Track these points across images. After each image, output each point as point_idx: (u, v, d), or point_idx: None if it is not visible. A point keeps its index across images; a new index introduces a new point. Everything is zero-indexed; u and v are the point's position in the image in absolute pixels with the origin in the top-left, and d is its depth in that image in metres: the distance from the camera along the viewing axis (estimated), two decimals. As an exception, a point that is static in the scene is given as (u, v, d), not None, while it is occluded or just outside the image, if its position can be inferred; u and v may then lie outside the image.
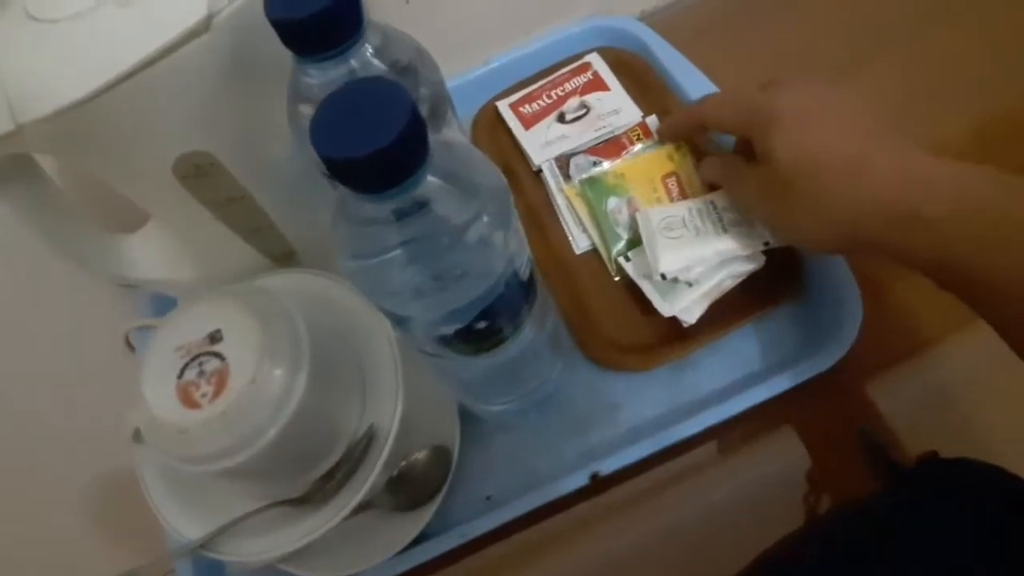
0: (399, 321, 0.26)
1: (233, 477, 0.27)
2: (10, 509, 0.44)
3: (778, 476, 0.35)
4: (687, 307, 0.34)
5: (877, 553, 0.30)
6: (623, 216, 0.38)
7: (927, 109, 0.42)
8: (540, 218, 0.42)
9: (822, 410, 0.36)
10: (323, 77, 0.24)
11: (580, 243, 0.40)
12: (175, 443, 0.26)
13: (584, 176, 0.40)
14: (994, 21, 0.45)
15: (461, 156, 0.24)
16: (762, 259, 0.34)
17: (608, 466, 0.34)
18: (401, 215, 0.21)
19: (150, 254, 0.36)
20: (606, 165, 0.41)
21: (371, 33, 0.25)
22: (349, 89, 0.20)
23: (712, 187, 0.37)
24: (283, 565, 0.33)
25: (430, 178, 0.21)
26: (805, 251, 0.36)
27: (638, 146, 0.41)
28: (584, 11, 0.50)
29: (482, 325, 0.25)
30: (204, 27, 0.25)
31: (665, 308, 0.34)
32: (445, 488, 0.34)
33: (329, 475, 0.30)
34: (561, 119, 0.44)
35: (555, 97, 0.45)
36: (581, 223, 0.40)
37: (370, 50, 0.25)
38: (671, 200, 0.38)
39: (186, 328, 0.27)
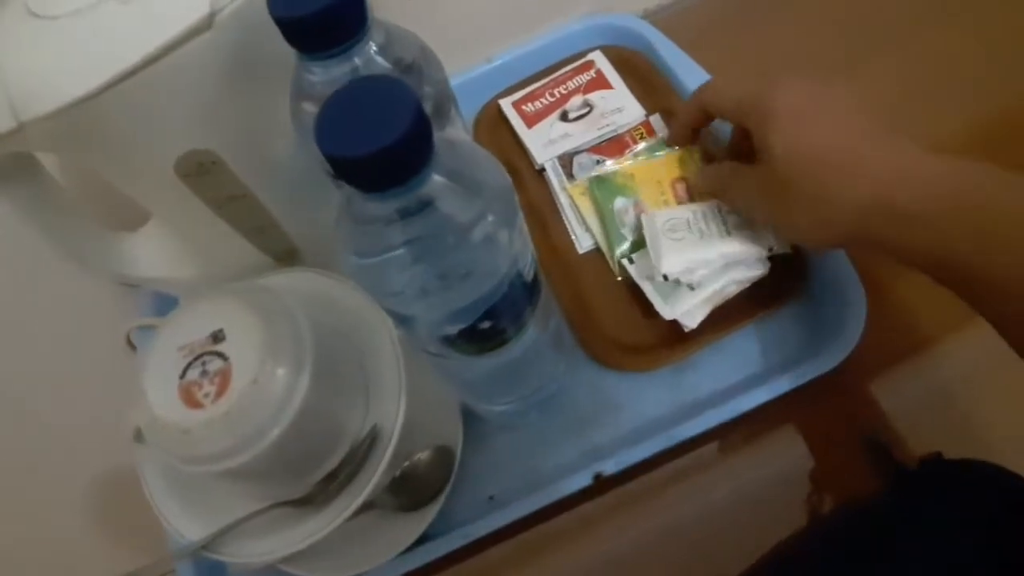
0: (403, 320, 0.26)
1: (235, 477, 0.27)
2: (10, 509, 0.43)
3: (781, 476, 0.35)
4: (688, 311, 0.34)
5: (879, 553, 0.30)
6: (629, 217, 0.38)
7: (926, 109, 0.42)
8: (543, 217, 0.41)
9: (825, 410, 0.35)
10: (326, 75, 0.24)
11: (583, 242, 0.40)
12: (177, 443, 0.25)
13: (593, 174, 0.40)
14: (990, 21, 0.45)
15: (466, 154, 0.23)
16: (767, 266, 0.34)
17: (611, 466, 0.34)
18: (406, 214, 0.21)
19: (151, 252, 0.35)
20: (610, 164, 0.41)
21: (375, 31, 0.25)
22: (354, 87, 0.20)
23: None
24: (285, 566, 0.33)
25: (435, 177, 0.20)
26: (807, 249, 0.36)
27: (641, 144, 0.41)
28: (585, 9, 0.50)
29: (486, 325, 0.25)
30: (207, 24, 0.25)
31: (666, 311, 0.34)
32: (448, 488, 0.34)
33: (332, 476, 0.29)
34: (564, 117, 0.44)
35: (558, 95, 0.44)
36: (584, 222, 0.40)
37: (374, 48, 0.25)
38: (679, 204, 0.38)
39: (189, 327, 0.27)
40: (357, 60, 0.24)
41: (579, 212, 0.40)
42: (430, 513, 0.34)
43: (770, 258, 0.34)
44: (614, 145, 0.42)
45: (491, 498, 0.36)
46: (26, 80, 0.25)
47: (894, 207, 0.26)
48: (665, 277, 0.34)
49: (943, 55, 0.44)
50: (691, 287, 0.34)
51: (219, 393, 0.25)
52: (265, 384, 0.25)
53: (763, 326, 0.37)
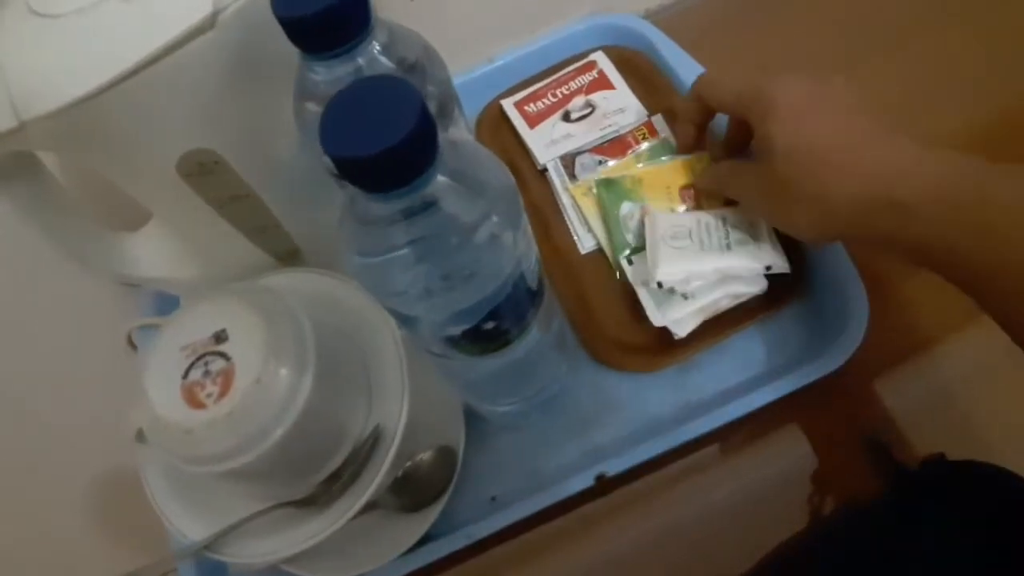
0: (406, 321, 0.26)
1: (237, 478, 0.27)
2: (10, 509, 0.43)
3: (783, 476, 0.35)
4: (679, 319, 0.34)
5: (880, 553, 0.30)
6: (634, 222, 0.38)
7: (926, 109, 0.42)
8: (545, 217, 0.41)
9: (827, 411, 0.35)
10: (330, 75, 0.24)
11: (585, 243, 0.40)
12: (180, 443, 0.25)
13: (601, 176, 0.40)
14: (990, 21, 0.45)
15: (470, 155, 0.23)
16: (763, 283, 0.34)
17: (614, 467, 0.34)
18: (410, 214, 0.21)
19: (153, 252, 0.35)
20: (612, 164, 0.41)
21: (378, 30, 0.24)
22: (358, 87, 0.20)
23: (728, 202, 0.37)
24: (287, 566, 0.33)
25: (439, 177, 0.20)
26: (806, 243, 0.36)
27: (644, 145, 0.41)
28: (587, 9, 0.50)
29: (489, 326, 0.25)
30: (209, 24, 0.25)
31: (657, 318, 0.34)
32: (450, 489, 0.34)
33: (334, 476, 0.29)
34: (566, 118, 0.43)
35: (560, 95, 0.44)
36: (587, 223, 0.40)
37: (377, 47, 0.24)
38: (685, 211, 0.38)
39: (191, 327, 0.27)
40: (360, 60, 0.24)
41: (581, 213, 0.40)
42: (432, 513, 0.34)
43: (768, 276, 0.34)
44: (616, 146, 0.41)
45: (493, 499, 0.36)
46: (27, 79, 0.25)
47: (894, 202, 0.26)
48: (660, 284, 0.34)
49: (943, 55, 0.44)
50: (685, 296, 0.34)
51: (222, 393, 0.25)
52: (268, 384, 0.25)
53: (765, 327, 0.37)
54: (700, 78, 0.36)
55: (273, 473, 0.28)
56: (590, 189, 0.40)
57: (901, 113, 0.31)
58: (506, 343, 0.27)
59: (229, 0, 0.25)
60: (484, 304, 0.24)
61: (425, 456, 0.34)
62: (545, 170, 0.42)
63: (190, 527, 0.30)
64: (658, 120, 0.42)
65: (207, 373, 0.26)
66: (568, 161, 0.42)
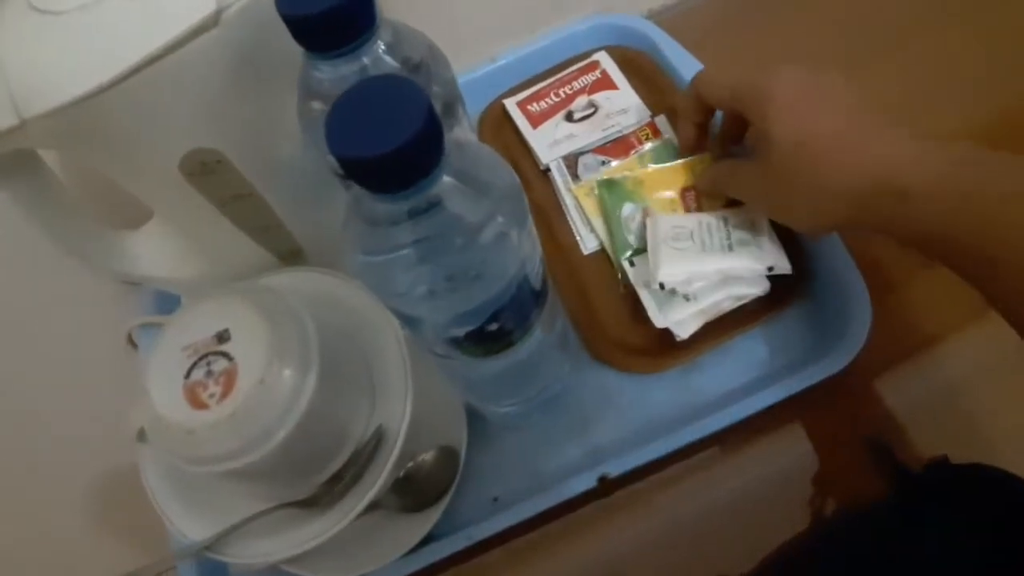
0: (409, 322, 0.25)
1: (239, 478, 0.27)
2: (10, 509, 0.43)
3: (786, 478, 0.35)
4: (681, 321, 0.34)
5: (883, 556, 0.30)
6: (635, 223, 0.38)
7: (927, 109, 0.42)
8: (547, 218, 0.41)
9: (830, 412, 0.35)
10: (334, 74, 0.24)
11: (588, 243, 0.40)
12: (181, 444, 0.25)
13: (603, 176, 0.40)
14: (989, 22, 0.45)
15: (475, 155, 0.23)
16: (766, 285, 0.34)
17: (616, 468, 0.33)
18: (414, 214, 0.21)
19: (154, 251, 0.35)
20: (615, 164, 0.41)
21: (383, 29, 0.24)
22: (364, 87, 0.20)
23: (729, 203, 0.37)
24: (288, 566, 0.33)
25: (445, 178, 0.20)
26: (808, 235, 0.36)
27: (647, 145, 0.41)
28: (590, 9, 0.50)
29: (493, 327, 0.25)
30: (213, 21, 0.24)
31: (659, 319, 0.34)
32: (452, 489, 0.34)
33: (337, 477, 0.29)
34: (569, 118, 0.43)
35: (563, 95, 0.44)
36: (589, 223, 0.40)
37: (382, 47, 0.24)
38: (687, 213, 0.38)
39: (193, 327, 0.26)
40: (365, 59, 0.24)
41: (584, 213, 0.40)
42: (434, 514, 0.34)
43: (770, 276, 0.34)
44: (619, 146, 0.41)
45: (495, 499, 0.36)
46: (29, 76, 0.25)
47: (895, 190, 0.26)
48: (661, 286, 0.34)
49: (944, 55, 0.44)
50: (687, 298, 0.34)
51: (224, 394, 0.25)
52: (271, 385, 0.25)
53: (768, 329, 0.37)
54: (697, 75, 0.36)
55: (275, 473, 0.28)
56: (592, 190, 0.40)
57: (901, 113, 0.31)
58: (510, 344, 0.27)
59: (233, -2, 0.25)
60: (488, 305, 0.24)
61: (427, 456, 0.34)
62: (548, 170, 0.42)
63: (191, 527, 0.30)
64: (661, 120, 0.42)
65: (209, 373, 0.25)
66: (571, 161, 0.42)
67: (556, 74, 0.46)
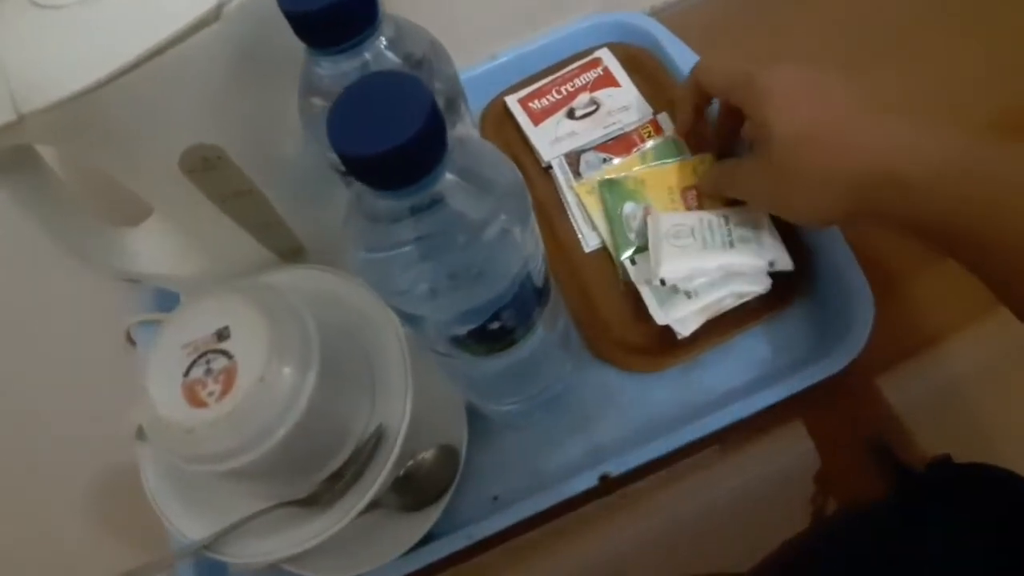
0: (411, 320, 0.25)
1: (239, 477, 0.27)
2: (9, 509, 0.43)
3: (787, 477, 0.35)
4: (682, 318, 0.34)
5: (884, 556, 0.30)
6: (637, 222, 0.38)
7: (927, 109, 0.42)
8: (549, 215, 0.41)
9: (831, 411, 0.35)
10: (336, 70, 0.24)
11: (590, 241, 0.40)
12: (180, 442, 0.25)
13: (604, 176, 0.40)
14: (990, 23, 0.45)
15: (477, 152, 0.23)
16: (767, 282, 0.34)
17: (617, 467, 0.33)
18: (416, 211, 0.20)
19: (153, 248, 0.35)
20: (617, 162, 0.40)
21: (385, 25, 0.24)
22: (366, 83, 0.19)
23: (730, 201, 0.37)
24: (287, 565, 0.33)
25: (447, 175, 0.20)
26: (811, 227, 0.36)
27: (649, 143, 0.41)
28: (592, 6, 0.50)
29: (495, 326, 0.25)
30: (214, 16, 0.24)
31: (660, 316, 0.34)
32: (452, 488, 0.34)
33: (337, 475, 0.29)
34: (571, 115, 0.43)
35: (565, 93, 0.44)
36: (591, 221, 0.40)
37: (384, 42, 0.24)
38: (688, 211, 0.38)
39: (193, 325, 0.26)
40: (367, 55, 0.24)
41: (586, 211, 0.40)
42: (434, 513, 0.34)
43: (771, 274, 0.34)
44: (621, 143, 0.41)
45: (495, 498, 0.36)
46: (27, 71, 0.24)
47: (895, 180, 0.26)
48: (663, 282, 0.34)
49: (946, 56, 0.44)
50: (688, 295, 0.34)
51: (224, 392, 0.25)
52: (271, 383, 0.25)
53: (770, 328, 0.37)
54: (697, 65, 0.36)
55: (275, 472, 0.27)
56: (594, 188, 0.40)
57: (903, 113, 0.31)
58: (512, 342, 0.27)
59: (234, -7, 0.25)
60: (491, 304, 0.24)
61: (427, 455, 0.34)
62: (549, 167, 0.42)
63: (190, 526, 0.30)
64: (663, 118, 0.42)
65: (209, 371, 0.25)
66: (573, 159, 0.42)
67: (558, 71, 0.45)
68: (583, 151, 0.42)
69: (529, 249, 0.24)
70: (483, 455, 0.36)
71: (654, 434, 0.34)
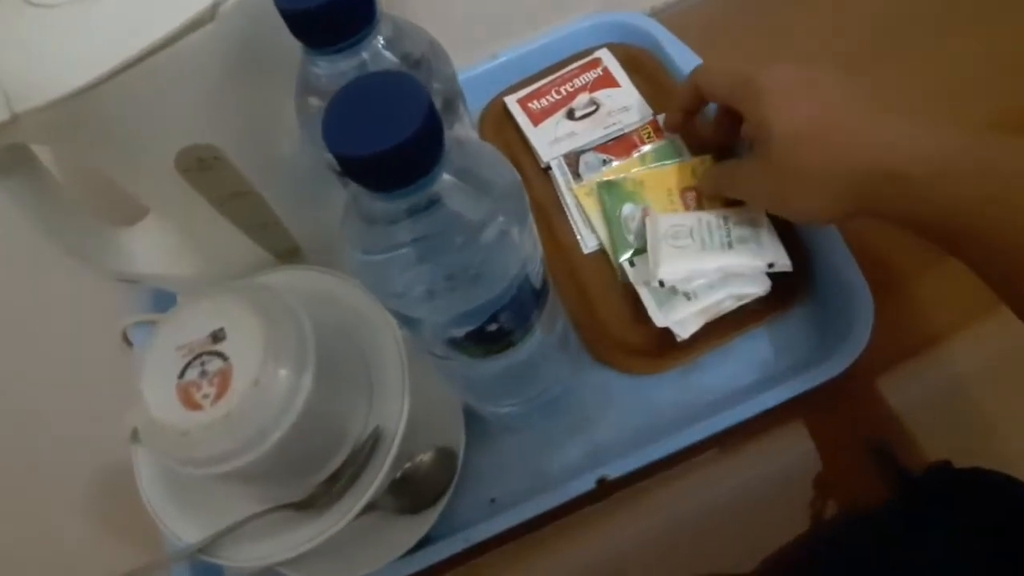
0: (408, 322, 0.25)
1: (234, 480, 0.27)
2: (10, 509, 0.43)
3: (787, 480, 0.35)
4: (681, 320, 0.34)
5: (884, 560, 0.30)
6: (636, 224, 0.37)
7: (928, 111, 0.42)
8: (547, 216, 0.41)
9: (832, 414, 0.35)
10: (333, 69, 0.24)
11: (588, 243, 0.40)
12: (175, 445, 0.25)
13: (602, 178, 0.40)
14: (991, 24, 0.45)
15: (475, 153, 0.23)
16: (767, 284, 0.34)
17: (615, 470, 0.33)
18: (414, 212, 0.20)
19: (150, 248, 0.35)
20: (617, 163, 0.40)
21: (383, 24, 0.24)
22: (363, 83, 0.19)
23: (729, 202, 0.36)
24: (283, 568, 0.32)
25: (445, 176, 0.20)
26: (811, 225, 0.36)
27: (649, 145, 0.40)
28: (592, 6, 0.49)
29: (493, 327, 0.25)
30: (210, 15, 0.24)
31: (659, 318, 0.34)
32: (450, 491, 0.34)
33: (333, 478, 0.29)
34: (570, 115, 0.43)
35: (564, 93, 0.44)
36: (590, 223, 0.40)
37: (382, 42, 0.24)
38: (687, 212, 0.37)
39: (188, 326, 0.26)
40: (365, 54, 0.24)
41: (585, 213, 0.40)
42: (432, 515, 0.33)
43: (771, 276, 0.34)
44: (621, 144, 0.41)
45: (493, 501, 0.36)
46: (22, 70, 0.24)
47: (894, 175, 0.26)
48: (661, 283, 0.34)
49: (946, 57, 0.44)
50: (687, 296, 0.34)
51: (219, 394, 0.25)
52: (267, 385, 0.25)
53: (769, 330, 0.37)
54: (696, 68, 0.36)
55: (271, 475, 0.27)
56: (592, 190, 0.40)
57: (903, 112, 0.31)
58: (510, 345, 0.27)
59: (230, -9, 0.24)
60: (488, 306, 0.23)
61: (425, 457, 0.34)
62: (548, 168, 0.42)
63: (185, 529, 0.30)
64: (663, 119, 0.41)
65: (204, 373, 0.25)
66: (572, 159, 0.41)
67: (557, 71, 0.45)
68: (582, 152, 0.41)
69: (527, 250, 0.24)
70: (481, 457, 0.36)
71: (653, 437, 0.34)
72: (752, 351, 0.36)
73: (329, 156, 0.18)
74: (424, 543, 0.33)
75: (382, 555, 0.33)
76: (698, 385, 0.36)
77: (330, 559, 0.33)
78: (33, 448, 0.43)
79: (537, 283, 0.26)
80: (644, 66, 0.44)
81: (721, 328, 0.35)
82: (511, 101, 0.45)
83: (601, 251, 0.39)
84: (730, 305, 0.34)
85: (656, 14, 0.51)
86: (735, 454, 0.35)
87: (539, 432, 0.37)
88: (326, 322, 0.28)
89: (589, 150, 0.41)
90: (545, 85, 0.45)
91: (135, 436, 0.30)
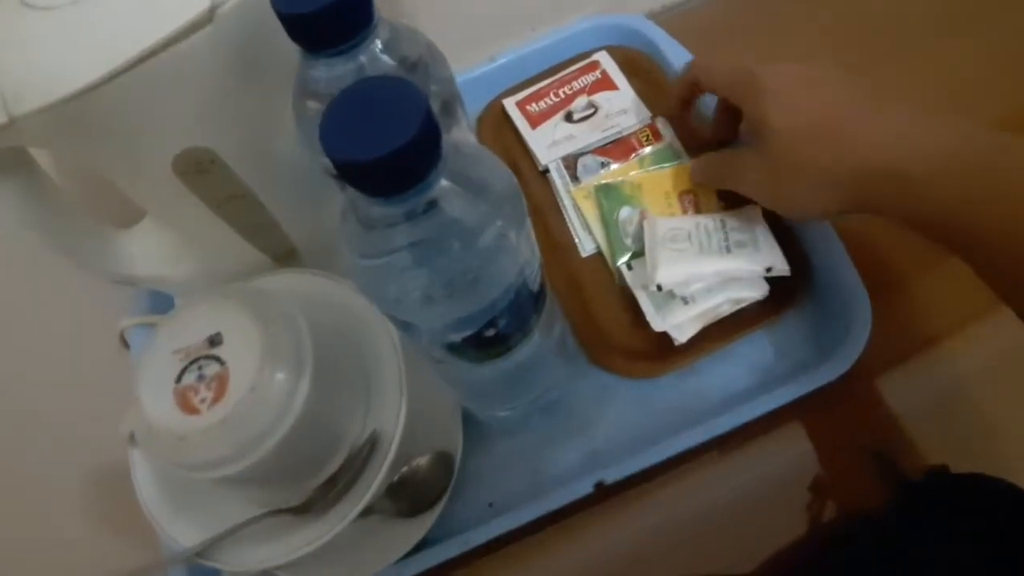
0: (405, 327, 0.25)
1: (232, 484, 0.27)
2: (10, 509, 0.43)
3: (785, 484, 0.35)
4: (679, 324, 0.34)
5: (883, 564, 0.30)
6: (633, 226, 0.37)
7: (929, 110, 0.42)
8: (545, 219, 0.41)
9: (830, 417, 0.35)
10: (331, 73, 0.24)
11: (586, 246, 0.40)
12: (172, 450, 0.25)
13: (600, 181, 0.40)
14: (992, 26, 0.45)
15: (473, 157, 0.23)
16: (765, 288, 0.34)
17: (613, 474, 0.33)
18: (411, 216, 0.20)
19: (147, 250, 0.35)
20: (615, 167, 0.40)
21: (381, 28, 0.24)
22: (361, 88, 0.19)
23: (727, 206, 0.36)
24: (281, 572, 0.32)
25: (442, 181, 0.20)
26: (810, 221, 0.36)
27: (648, 149, 0.40)
28: (591, 8, 0.49)
29: (491, 332, 0.25)
30: (207, 18, 0.24)
31: (657, 322, 0.34)
32: (447, 494, 0.34)
33: (330, 482, 0.29)
34: (568, 118, 0.43)
35: (563, 96, 0.44)
36: (587, 226, 0.39)
37: (379, 46, 0.24)
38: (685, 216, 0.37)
39: (185, 330, 0.26)
40: (362, 58, 0.24)
41: (582, 215, 0.40)
42: (429, 519, 0.33)
43: (768, 280, 0.34)
44: (619, 147, 0.41)
45: (491, 505, 0.35)
46: (18, 73, 0.24)
47: (894, 172, 0.26)
48: (659, 287, 0.33)
49: (947, 59, 0.44)
50: (685, 300, 0.34)
51: (216, 399, 0.25)
52: (264, 390, 0.25)
53: (768, 334, 0.37)
54: (693, 62, 0.36)
55: (268, 479, 0.27)
56: (590, 193, 0.40)
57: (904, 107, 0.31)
58: (508, 349, 0.27)
59: (228, -5, 0.24)
60: (486, 311, 0.23)
61: (422, 461, 0.34)
62: (546, 171, 0.42)
63: (182, 532, 0.29)
64: (662, 121, 0.41)
65: (201, 377, 0.25)
66: (570, 162, 0.41)
67: (556, 74, 0.45)
68: (581, 155, 0.41)
69: (525, 255, 0.24)
70: (479, 461, 0.36)
71: (650, 441, 0.34)
72: (750, 355, 0.36)
73: (326, 160, 0.18)
74: (422, 546, 0.33)
75: (380, 559, 0.33)
76: (696, 389, 0.36)
77: (328, 563, 0.33)
78: (33, 448, 0.43)
79: (534, 287, 0.26)
80: (643, 69, 0.44)
81: (719, 332, 0.35)
82: (509, 103, 0.45)
83: (599, 254, 0.39)
84: (728, 309, 0.34)
85: (655, 16, 0.51)
86: (733, 457, 0.35)
87: (537, 435, 0.37)
88: (323, 324, 0.28)
89: (587, 153, 0.41)
90: (543, 88, 0.45)
91: (132, 439, 0.30)
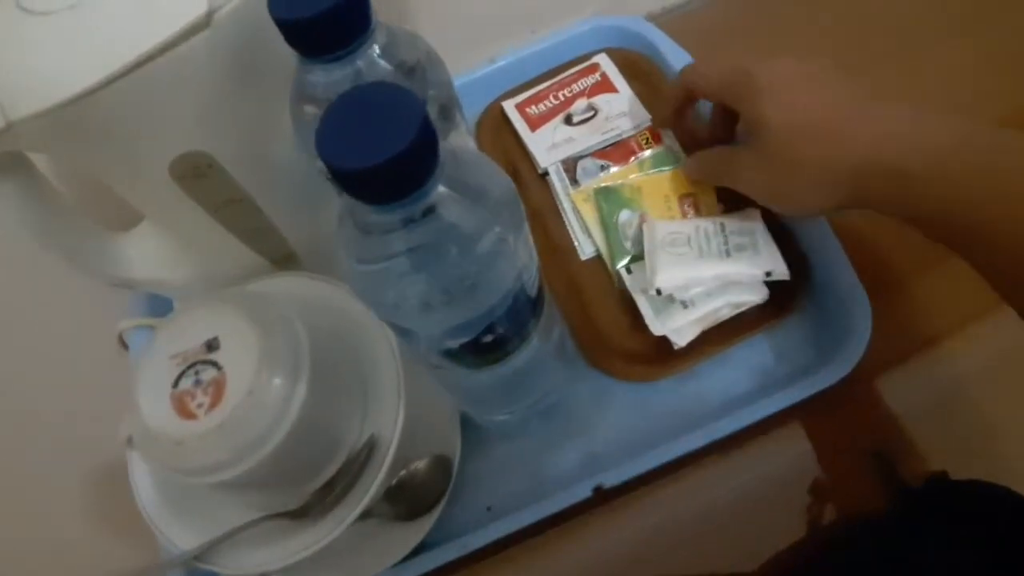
0: (403, 333, 0.25)
1: (230, 488, 0.27)
2: (10, 509, 0.43)
3: (785, 488, 0.35)
4: (678, 328, 0.34)
5: (883, 569, 0.30)
6: (632, 230, 0.37)
7: (933, 109, 0.42)
8: (544, 222, 0.41)
9: (830, 421, 0.35)
10: (328, 78, 0.24)
11: (586, 249, 0.39)
12: (169, 455, 0.25)
13: (600, 184, 0.40)
14: (993, 27, 0.45)
15: (471, 163, 0.23)
16: (764, 292, 0.34)
17: (612, 478, 0.33)
18: (408, 222, 0.20)
19: (145, 254, 0.35)
20: (615, 169, 0.40)
21: (378, 32, 0.24)
22: (357, 94, 0.19)
23: (727, 209, 0.36)
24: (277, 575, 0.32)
25: (440, 187, 0.20)
26: (809, 219, 0.35)
27: (647, 152, 0.40)
28: (591, 11, 0.49)
29: (489, 339, 0.25)
30: (204, 23, 0.24)
31: (656, 326, 0.34)
32: (446, 498, 0.34)
33: (328, 486, 0.29)
34: (568, 121, 0.43)
35: (562, 98, 0.44)
36: (587, 229, 0.39)
37: (377, 50, 0.24)
38: (684, 219, 0.37)
39: (182, 335, 0.26)
40: (360, 63, 0.24)
41: (582, 218, 0.40)
42: (427, 523, 0.33)
43: (768, 284, 0.34)
44: (619, 150, 0.41)
45: (489, 508, 0.35)
46: (15, 78, 0.24)
47: (893, 169, 0.26)
48: (658, 291, 0.33)
49: (947, 60, 0.44)
50: (684, 304, 0.34)
51: (213, 404, 0.25)
52: (261, 395, 0.25)
53: (767, 337, 0.37)
54: (686, 67, 0.36)
55: (266, 483, 0.27)
56: (590, 196, 0.40)
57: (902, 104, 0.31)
58: (506, 354, 0.27)
59: (224, -1, 0.24)
60: (484, 317, 0.23)
61: (420, 464, 0.34)
62: (546, 174, 0.42)
63: (180, 536, 0.30)
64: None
65: (198, 382, 0.25)
66: (570, 165, 0.41)
67: (555, 76, 0.45)
68: (580, 157, 0.41)
69: (523, 259, 0.24)
70: (477, 464, 0.36)
71: (650, 445, 0.34)
72: (750, 358, 0.36)
73: (323, 165, 0.18)
74: (420, 550, 0.33)
75: (378, 562, 0.33)
76: (695, 393, 0.36)
77: (325, 567, 0.33)
78: (33, 448, 0.43)
79: (533, 292, 0.26)
80: (642, 71, 0.44)
81: (718, 336, 0.35)
82: (509, 106, 0.45)
83: (598, 257, 0.39)
84: (727, 313, 0.34)
85: (654, 19, 0.51)
86: (733, 457, 0.35)
87: (536, 439, 0.37)
88: (321, 328, 0.28)
89: (587, 156, 0.41)
90: (543, 90, 0.45)
91: (130, 443, 0.30)
